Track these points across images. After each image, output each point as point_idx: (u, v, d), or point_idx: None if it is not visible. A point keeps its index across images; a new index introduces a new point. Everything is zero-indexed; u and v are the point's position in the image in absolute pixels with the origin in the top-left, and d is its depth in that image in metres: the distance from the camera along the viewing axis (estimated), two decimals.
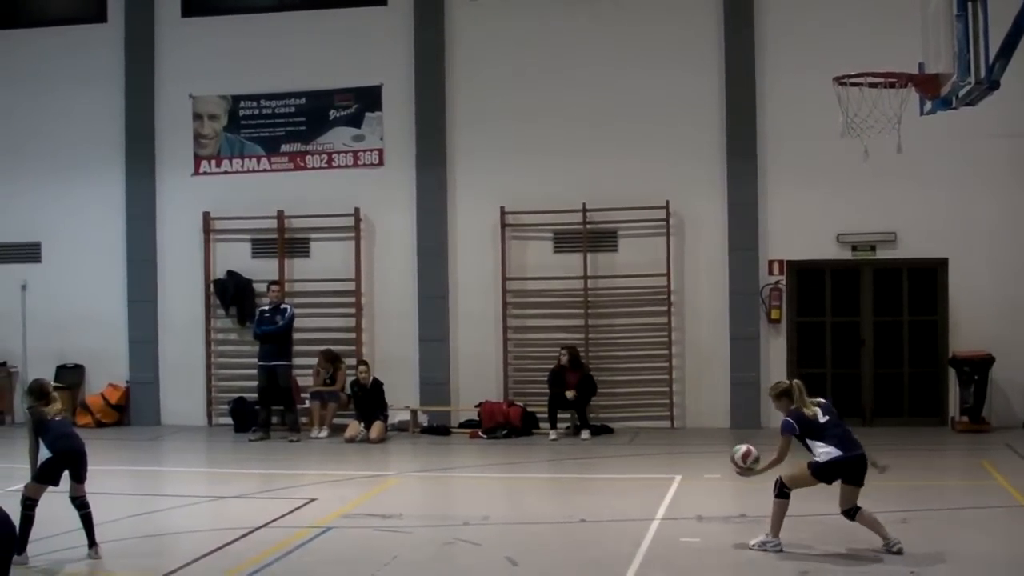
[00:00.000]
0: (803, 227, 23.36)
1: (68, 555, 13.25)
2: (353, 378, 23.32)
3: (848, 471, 12.86)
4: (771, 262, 23.53)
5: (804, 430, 12.98)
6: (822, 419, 13.01)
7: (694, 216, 23.72)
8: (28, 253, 26.03)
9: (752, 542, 12.96)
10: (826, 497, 13.09)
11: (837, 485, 12.92)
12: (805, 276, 23.76)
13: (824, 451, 12.84)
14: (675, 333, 23.70)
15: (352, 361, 23.73)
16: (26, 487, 13.27)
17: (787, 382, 13.53)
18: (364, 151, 24.87)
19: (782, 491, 12.99)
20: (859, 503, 12.97)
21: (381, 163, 24.82)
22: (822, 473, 12.89)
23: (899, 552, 12.62)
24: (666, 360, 23.66)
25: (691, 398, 23.61)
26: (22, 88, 26.04)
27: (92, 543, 13.30)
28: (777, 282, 23.53)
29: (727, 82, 23.54)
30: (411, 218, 24.57)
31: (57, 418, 13.45)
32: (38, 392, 13.81)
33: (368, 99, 24.85)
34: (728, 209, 23.54)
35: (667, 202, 23.49)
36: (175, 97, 25.51)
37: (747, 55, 23.49)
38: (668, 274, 23.59)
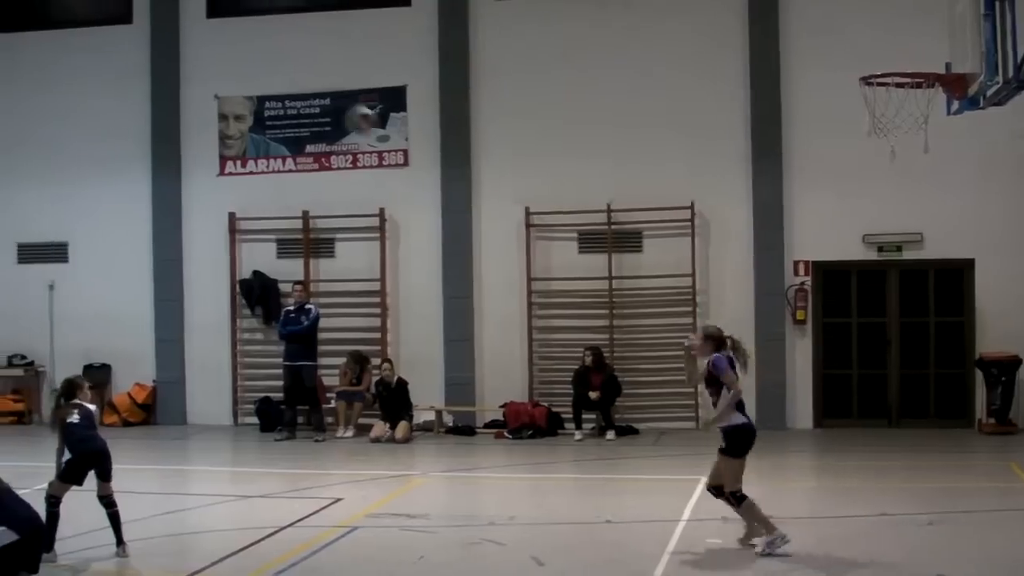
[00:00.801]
0: (829, 227, 23.28)
1: (95, 553, 13.30)
2: (378, 377, 23.38)
3: (749, 443, 13.09)
4: (796, 263, 23.48)
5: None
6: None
7: (719, 216, 23.69)
8: (55, 253, 26.15)
9: (757, 549, 12.90)
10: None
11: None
12: (831, 277, 23.70)
13: (734, 415, 13.01)
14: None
15: (378, 361, 23.78)
16: (50, 485, 13.34)
17: (719, 330, 13.48)
18: (389, 151, 24.87)
19: (738, 498, 13.01)
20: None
21: (406, 163, 24.84)
22: (736, 445, 13.01)
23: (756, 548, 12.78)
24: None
25: None
26: (49, 89, 26.12)
27: (120, 541, 13.35)
28: (803, 283, 23.48)
29: (752, 82, 23.49)
30: (436, 218, 24.58)
31: (76, 419, 13.50)
32: (61, 390, 13.95)
33: (393, 99, 24.86)
34: (753, 209, 23.50)
35: (692, 202, 23.46)
36: (201, 98, 25.57)
37: (772, 55, 23.43)
38: (693, 275, 23.56)
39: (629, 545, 13.50)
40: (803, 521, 14.17)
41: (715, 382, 13.10)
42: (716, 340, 13.21)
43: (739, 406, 13.09)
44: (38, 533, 10.53)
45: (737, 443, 13.05)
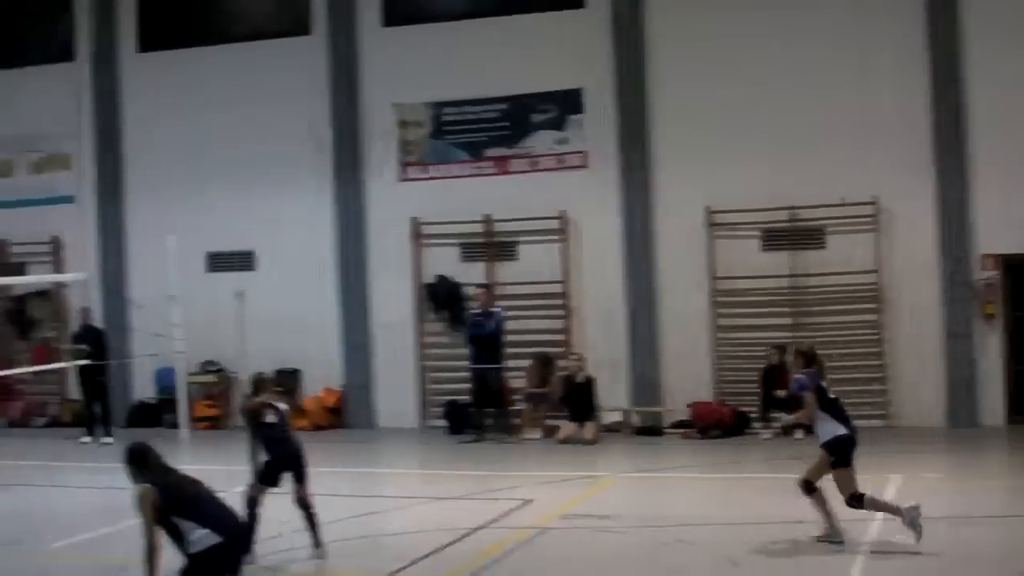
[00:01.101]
0: (1017, 221, 22.75)
1: (293, 555, 13.57)
2: (565, 372, 23.51)
3: (851, 449, 13.39)
4: (984, 257, 22.99)
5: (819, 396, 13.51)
6: (831, 394, 13.62)
7: (903, 211, 23.26)
8: (243, 262, 26.72)
9: (911, 541, 12.95)
10: None
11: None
12: (1020, 271, 23.17)
13: (831, 427, 13.40)
14: (887, 331, 23.30)
15: (564, 363, 23.91)
16: (249, 487, 13.61)
17: (811, 348, 14.21)
18: (567, 154, 24.92)
19: (858, 498, 13.32)
20: None
21: (585, 165, 24.85)
22: (841, 455, 13.30)
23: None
24: (878, 358, 23.23)
25: (905, 396, 23.13)
26: (234, 102, 26.66)
27: (317, 543, 13.59)
28: (991, 277, 23.00)
29: (933, 74, 23.01)
30: (617, 219, 24.53)
31: (273, 419, 13.76)
32: (251, 386, 14.22)
33: (570, 102, 24.89)
34: (938, 203, 23.04)
35: (875, 198, 23.13)
36: (380, 105, 25.89)
37: (953, 46, 22.92)
38: (878, 271, 23.23)
39: (822, 544, 13.37)
40: (994, 520, 13.93)
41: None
42: (806, 357, 13.91)
43: (841, 416, 13.48)
44: (240, 536, 10.74)
45: (841, 453, 13.32)
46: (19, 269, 28.29)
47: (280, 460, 13.70)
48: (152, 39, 27.70)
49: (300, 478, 13.78)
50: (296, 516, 13.73)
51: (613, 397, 23.94)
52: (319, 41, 26.34)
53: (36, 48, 28.79)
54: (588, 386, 23.30)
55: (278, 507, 13.80)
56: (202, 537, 10.02)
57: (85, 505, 18.46)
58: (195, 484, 10.45)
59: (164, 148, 27.24)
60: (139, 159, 27.60)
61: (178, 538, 10.12)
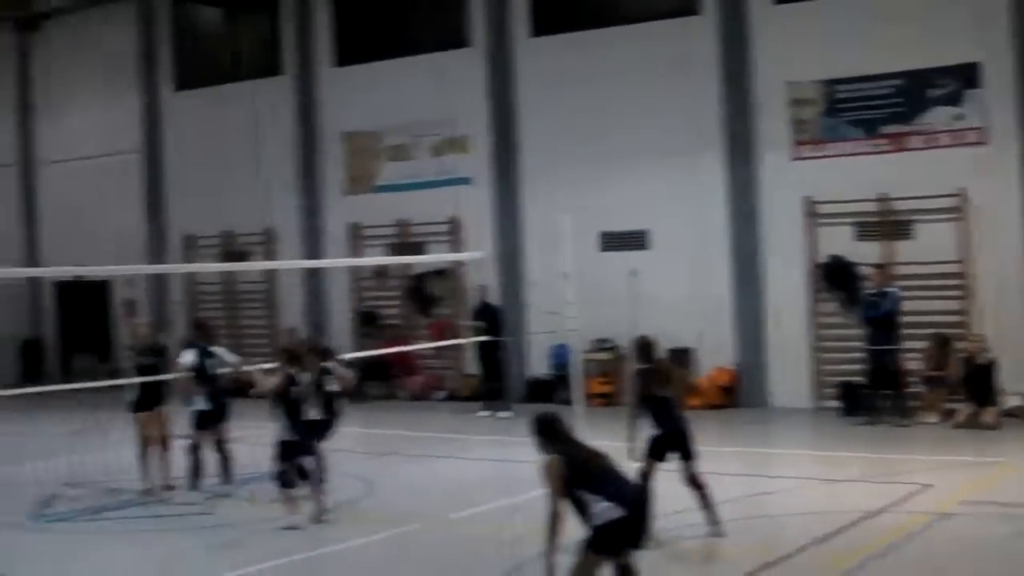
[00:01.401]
0: None
1: (684, 532, 13.69)
2: (965, 355, 22.90)
3: None
4: None
5: None
6: None
7: None
8: (636, 241, 26.96)
9: None
10: None
11: None
12: None
13: None
14: None
15: (964, 345, 23.24)
16: (640, 463, 13.76)
17: None
18: (965, 130, 24.18)
19: None
20: None
21: (983, 142, 24.04)
22: None
23: None
24: None
25: None
26: (623, 83, 26.94)
27: (713, 521, 13.67)
28: None
29: None
30: (1018, 198, 23.65)
31: (668, 394, 13.88)
32: (639, 350, 14.32)
33: (967, 76, 24.11)
34: None
35: None
36: (771, 83, 25.65)
37: None
38: None
39: None
40: None
41: None
42: None
43: None
44: (644, 511, 10.85)
45: None
46: (419, 248, 29.39)
47: (667, 436, 13.82)
48: (543, 24, 28.26)
49: (688, 456, 13.86)
50: (687, 494, 13.84)
51: (1014, 381, 23.11)
52: (708, 20, 26.29)
53: (432, 36, 29.88)
54: (989, 369, 22.59)
55: (670, 485, 13.92)
56: (605, 510, 10.17)
57: (484, 477, 19.09)
58: (601, 457, 10.60)
59: (556, 129, 27.74)
60: (533, 141, 28.21)
61: (582, 510, 10.30)
